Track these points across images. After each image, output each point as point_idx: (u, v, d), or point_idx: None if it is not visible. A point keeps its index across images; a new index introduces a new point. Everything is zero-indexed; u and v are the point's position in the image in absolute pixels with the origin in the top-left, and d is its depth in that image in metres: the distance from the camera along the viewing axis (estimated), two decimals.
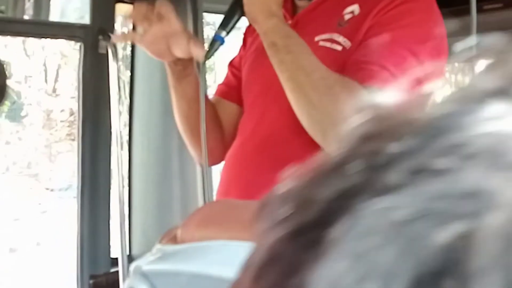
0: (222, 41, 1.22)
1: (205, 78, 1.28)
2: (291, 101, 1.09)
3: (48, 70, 11.80)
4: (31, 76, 11.25)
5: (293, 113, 1.10)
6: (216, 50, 1.23)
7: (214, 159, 1.40)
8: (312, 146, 1.08)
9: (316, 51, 1.11)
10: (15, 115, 11.71)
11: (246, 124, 1.29)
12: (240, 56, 1.41)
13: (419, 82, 1.07)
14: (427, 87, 1.17)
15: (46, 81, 11.89)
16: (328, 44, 1.16)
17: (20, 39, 11.29)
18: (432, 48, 1.14)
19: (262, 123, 1.23)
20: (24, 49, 11.49)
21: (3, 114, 11.65)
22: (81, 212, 1.98)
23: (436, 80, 1.12)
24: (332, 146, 1.13)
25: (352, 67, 1.10)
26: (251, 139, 1.24)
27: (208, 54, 1.23)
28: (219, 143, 1.37)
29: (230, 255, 0.53)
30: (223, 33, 1.22)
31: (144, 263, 0.59)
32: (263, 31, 1.12)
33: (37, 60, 11.69)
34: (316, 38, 1.18)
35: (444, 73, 1.22)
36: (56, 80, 11.95)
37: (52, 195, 10.74)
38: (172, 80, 1.31)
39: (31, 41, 11.12)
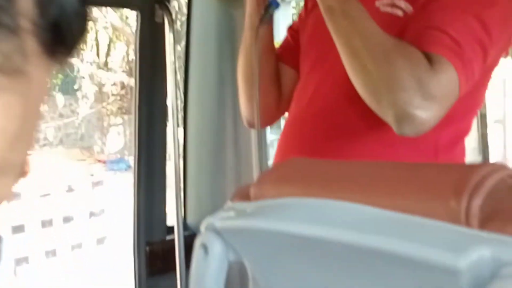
0: (276, 5, 1.22)
1: (259, 42, 1.26)
2: (346, 67, 1.06)
3: (100, 44, 11.94)
4: (83, 50, 11.41)
5: (349, 82, 1.07)
6: (271, 14, 1.23)
7: (268, 120, 1.38)
8: (368, 114, 1.06)
9: (377, 17, 1.08)
10: (68, 88, 11.93)
11: (303, 93, 1.27)
12: (300, 20, 1.39)
13: (484, 49, 1.03)
14: (492, 51, 1.11)
15: (98, 55, 12.04)
16: (389, 9, 1.13)
17: None
18: (500, 13, 1.08)
19: (319, 92, 1.22)
20: None
21: (57, 87, 11.88)
22: (137, 181, 2.01)
23: (503, 47, 1.07)
24: (385, 112, 1.10)
25: (412, 32, 1.06)
26: (308, 108, 1.23)
27: (263, 18, 1.22)
28: (276, 104, 1.36)
29: (307, 212, 0.53)
30: None
31: (217, 220, 0.59)
32: None
33: (89, 34, 11.85)
34: (377, 3, 1.15)
35: None
36: (108, 54, 12.10)
37: (103, 167, 10.94)
38: (254, 18, 1.28)
39: None
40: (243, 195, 0.60)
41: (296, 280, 0.55)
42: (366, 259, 0.48)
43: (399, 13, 1.12)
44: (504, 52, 1.17)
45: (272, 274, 0.58)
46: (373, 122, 1.07)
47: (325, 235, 0.49)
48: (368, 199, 0.49)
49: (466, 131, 1.21)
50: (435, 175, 0.49)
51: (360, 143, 1.15)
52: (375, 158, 1.13)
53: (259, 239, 0.56)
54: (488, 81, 1.20)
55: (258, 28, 1.24)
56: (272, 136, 2.78)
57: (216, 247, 0.59)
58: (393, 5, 1.13)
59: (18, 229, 5.40)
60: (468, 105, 1.17)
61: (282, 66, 1.37)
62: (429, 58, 1.00)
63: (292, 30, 1.40)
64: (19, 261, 5.31)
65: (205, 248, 0.60)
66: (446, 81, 1.00)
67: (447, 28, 1.03)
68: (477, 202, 0.45)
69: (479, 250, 0.42)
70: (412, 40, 1.03)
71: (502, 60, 1.20)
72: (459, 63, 1.01)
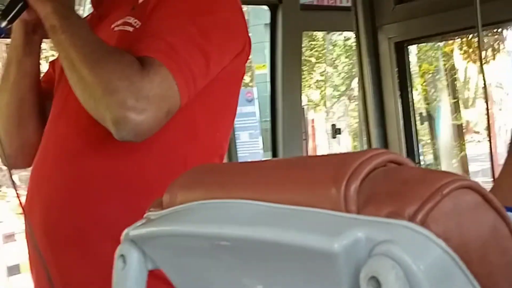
0: (1, 32, 1.16)
1: (26, 76, 1.23)
2: (69, 82, 1.08)
3: None
4: None
5: (80, 114, 1.08)
6: None
7: (28, 160, 1.27)
8: (110, 160, 1.09)
9: (112, 37, 1.13)
10: None
11: (49, 124, 1.23)
12: None
13: (204, 53, 1.07)
14: (216, 57, 1.16)
15: None
16: (121, 27, 1.16)
17: None
18: (220, 19, 1.13)
19: (56, 124, 1.20)
20: None
21: None
22: None
23: (236, 53, 1.10)
24: (103, 117, 1.10)
25: (133, 42, 1.10)
26: (48, 138, 1.21)
27: None
28: (36, 143, 1.26)
29: (208, 213, 0.55)
30: (3, 23, 1.14)
31: (131, 229, 0.60)
32: (43, 15, 1.08)
33: None
34: (113, 26, 1.18)
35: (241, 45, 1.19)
36: None
37: None
38: (21, 51, 1.22)
39: None
40: (157, 204, 0.62)
41: (205, 280, 0.56)
42: (259, 251, 0.49)
43: (129, 28, 1.16)
44: (244, 59, 1.20)
45: (184, 278, 0.59)
46: (114, 143, 1.06)
47: (220, 232, 0.51)
48: (260, 195, 0.51)
49: (218, 149, 1.22)
50: (318, 165, 0.50)
51: (102, 168, 1.13)
52: (122, 178, 1.12)
53: (168, 244, 0.58)
54: (233, 96, 1.23)
55: (22, 61, 1.21)
56: None
57: (134, 257, 0.60)
58: (124, 23, 1.16)
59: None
60: (211, 120, 1.18)
61: (46, 101, 1.30)
62: (142, 62, 1.03)
63: (53, 65, 1.36)
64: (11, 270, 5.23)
65: (123, 258, 0.61)
66: (159, 81, 1.02)
67: (163, 34, 1.07)
68: (354, 188, 0.46)
69: (354, 232, 0.44)
70: (129, 48, 1.07)
71: None
72: (174, 65, 1.03)
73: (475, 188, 0.46)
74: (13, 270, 5.30)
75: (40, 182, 1.19)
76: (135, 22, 1.15)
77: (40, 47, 1.25)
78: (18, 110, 1.26)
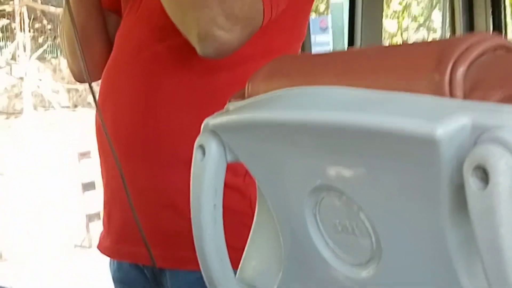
0: None
1: None
2: None
3: None
4: None
5: (158, 18, 1.07)
6: None
7: (95, 76, 1.28)
8: (180, 53, 1.06)
9: None
10: None
11: (121, 35, 1.22)
12: None
13: None
14: None
15: None
16: None
17: None
18: None
19: (132, 32, 1.17)
20: None
21: None
22: None
23: None
24: (189, 30, 1.06)
25: None
26: (123, 48, 1.18)
27: None
28: (107, 55, 1.26)
29: (294, 100, 0.51)
30: None
31: (211, 119, 0.58)
32: None
33: None
34: None
35: None
36: None
37: None
38: None
39: None
40: (239, 95, 0.59)
41: (287, 171, 0.54)
42: (349, 139, 0.46)
43: None
44: None
45: (265, 170, 0.57)
46: (186, 54, 1.06)
47: (309, 119, 0.48)
48: (352, 82, 0.47)
49: None
50: (418, 50, 0.46)
51: (174, 76, 1.11)
52: (192, 88, 1.10)
53: (249, 133, 0.55)
54: (304, 12, 1.19)
55: None
56: None
57: (213, 147, 0.58)
58: None
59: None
60: (286, 38, 1.16)
61: (106, 13, 1.29)
62: None
63: None
64: (91, 217, 5.45)
65: (202, 149, 0.59)
66: (250, 3, 0.99)
67: None
68: (461, 72, 0.42)
69: (459, 118, 0.40)
70: None
71: None
72: None
73: None
74: (88, 186, 5.50)
75: (112, 90, 1.18)
76: None
77: None
78: (80, 34, 1.22)
